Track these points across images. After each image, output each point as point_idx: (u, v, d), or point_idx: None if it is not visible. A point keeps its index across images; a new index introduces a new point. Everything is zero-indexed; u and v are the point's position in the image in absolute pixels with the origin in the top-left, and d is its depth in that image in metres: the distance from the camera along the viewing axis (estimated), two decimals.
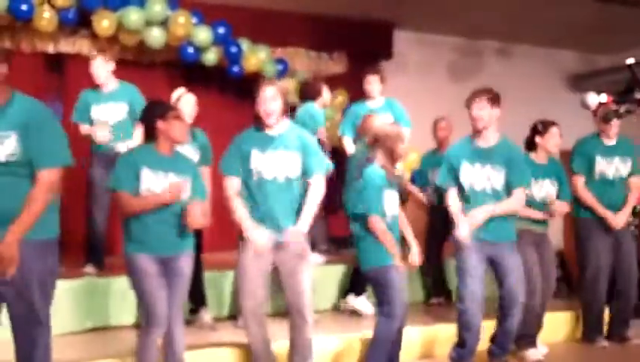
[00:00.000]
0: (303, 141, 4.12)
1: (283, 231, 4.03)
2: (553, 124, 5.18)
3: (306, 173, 4.10)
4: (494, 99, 4.51)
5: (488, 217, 4.45)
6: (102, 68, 5.67)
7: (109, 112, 5.69)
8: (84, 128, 5.74)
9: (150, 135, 3.88)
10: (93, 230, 5.75)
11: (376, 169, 4.40)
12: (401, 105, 6.28)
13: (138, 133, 5.42)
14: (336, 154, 6.60)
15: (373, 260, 4.34)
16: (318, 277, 5.92)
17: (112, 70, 5.74)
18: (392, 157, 4.42)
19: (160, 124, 3.83)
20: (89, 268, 5.66)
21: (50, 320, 3.27)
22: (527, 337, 5.02)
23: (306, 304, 4.09)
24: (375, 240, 4.30)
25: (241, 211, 4.06)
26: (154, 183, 3.78)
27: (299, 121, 5.89)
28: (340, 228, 6.83)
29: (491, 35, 9.13)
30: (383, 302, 4.33)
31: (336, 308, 6.04)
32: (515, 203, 4.54)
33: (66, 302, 5.10)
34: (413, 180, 6.83)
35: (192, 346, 4.43)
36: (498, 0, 7.66)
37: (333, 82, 7.97)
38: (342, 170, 6.14)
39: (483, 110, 4.49)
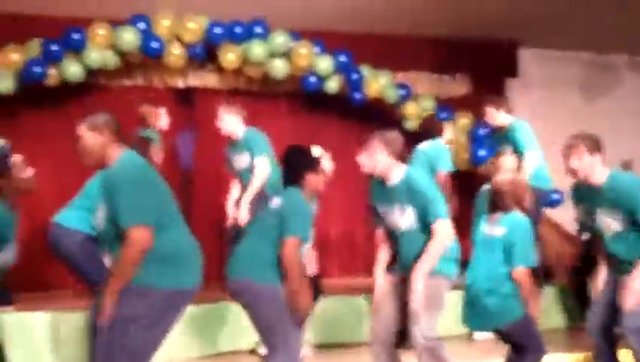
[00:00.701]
0: (415, 193, 3.96)
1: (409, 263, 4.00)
2: None
3: (425, 222, 3.96)
4: (592, 146, 4.13)
5: None
6: (225, 120, 5.76)
7: (238, 163, 5.84)
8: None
9: (293, 181, 3.97)
10: None
11: (521, 218, 4.17)
12: (524, 128, 5.98)
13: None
14: (468, 176, 6.47)
15: (510, 314, 4.08)
16: (452, 303, 5.81)
17: (239, 120, 5.77)
18: (521, 207, 4.23)
19: (310, 176, 3.96)
20: None
21: None
22: None
23: (415, 332, 3.95)
24: (511, 293, 4.08)
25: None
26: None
27: (429, 154, 5.88)
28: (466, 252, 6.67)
29: (623, 48, 8.69)
30: (528, 344, 4.13)
31: (470, 336, 5.88)
32: None
33: (189, 328, 5.31)
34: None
35: None
36: (629, 10, 7.29)
37: (457, 104, 7.85)
38: (473, 191, 5.99)
39: (582, 159, 4.12)
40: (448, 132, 6.49)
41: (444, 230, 3.93)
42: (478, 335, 5.77)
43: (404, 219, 3.99)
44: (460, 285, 6.22)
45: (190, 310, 5.34)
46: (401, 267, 4.09)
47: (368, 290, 5.27)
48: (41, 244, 6.93)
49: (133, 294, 3.13)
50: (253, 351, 5.43)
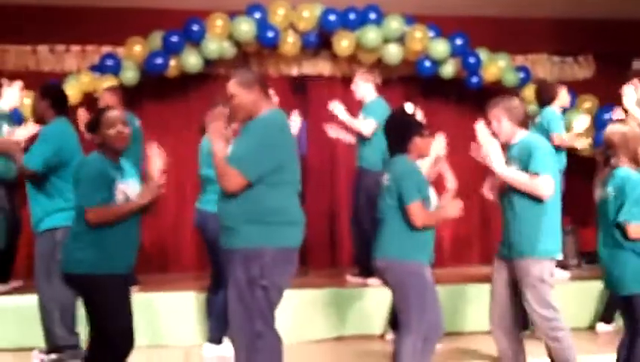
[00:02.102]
0: (526, 148, 3.98)
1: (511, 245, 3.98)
2: None
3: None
4: None
5: None
6: (358, 85, 6.06)
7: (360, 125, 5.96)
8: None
9: (399, 148, 3.89)
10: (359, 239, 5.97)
11: (630, 174, 3.90)
12: None
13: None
14: (590, 162, 6.16)
15: (632, 283, 3.82)
16: (572, 295, 5.61)
17: (371, 87, 6.08)
18: (635, 160, 3.95)
19: (418, 141, 3.88)
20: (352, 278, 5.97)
21: (265, 332, 3.27)
22: None
23: (537, 322, 3.93)
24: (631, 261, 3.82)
25: None
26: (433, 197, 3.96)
27: (538, 128, 5.66)
28: (592, 242, 6.39)
29: None
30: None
31: (591, 328, 5.69)
32: None
33: (319, 310, 5.45)
34: None
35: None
36: None
37: (580, 87, 7.52)
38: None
39: None
40: (563, 96, 6.13)
41: (544, 183, 3.88)
42: (600, 327, 5.55)
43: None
44: (581, 276, 6.02)
45: (319, 293, 5.52)
46: (506, 247, 4.02)
47: (483, 279, 5.19)
48: (161, 229, 7.25)
49: (248, 258, 3.21)
50: (382, 336, 5.45)
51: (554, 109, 5.93)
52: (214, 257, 4.77)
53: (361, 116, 5.97)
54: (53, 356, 4.65)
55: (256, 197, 3.24)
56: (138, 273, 5.79)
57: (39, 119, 4.78)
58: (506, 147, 4.10)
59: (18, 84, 5.58)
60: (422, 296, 3.77)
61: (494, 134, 4.07)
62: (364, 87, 6.06)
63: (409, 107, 4.99)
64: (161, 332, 5.37)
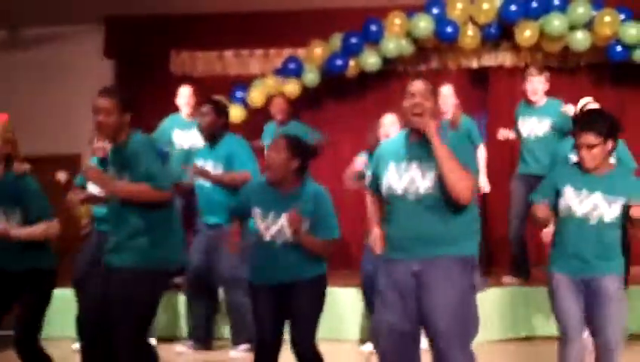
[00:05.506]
0: None
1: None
2: None
3: None
4: None
5: None
6: (538, 84, 5.71)
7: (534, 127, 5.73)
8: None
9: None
10: (514, 239, 5.79)
11: None
12: None
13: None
14: None
15: None
16: None
17: (545, 88, 5.75)
18: None
19: None
20: (507, 279, 5.76)
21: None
22: None
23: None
24: None
25: None
26: None
27: None
28: None
29: None
30: None
31: None
32: None
33: (492, 311, 5.31)
34: None
35: None
36: None
37: None
38: None
39: None
40: None
41: None
42: None
43: None
44: None
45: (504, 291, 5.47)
46: None
47: None
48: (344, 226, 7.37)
49: (468, 265, 3.26)
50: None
51: None
52: None
53: (546, 121, 5.65)
54: None
55: (470, 207, 3.28)
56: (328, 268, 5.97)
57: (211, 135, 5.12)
58: None
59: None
60: None
61: None
62: (542, 86, 5.72)
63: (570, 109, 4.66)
64: (344, 324, 5.54)
